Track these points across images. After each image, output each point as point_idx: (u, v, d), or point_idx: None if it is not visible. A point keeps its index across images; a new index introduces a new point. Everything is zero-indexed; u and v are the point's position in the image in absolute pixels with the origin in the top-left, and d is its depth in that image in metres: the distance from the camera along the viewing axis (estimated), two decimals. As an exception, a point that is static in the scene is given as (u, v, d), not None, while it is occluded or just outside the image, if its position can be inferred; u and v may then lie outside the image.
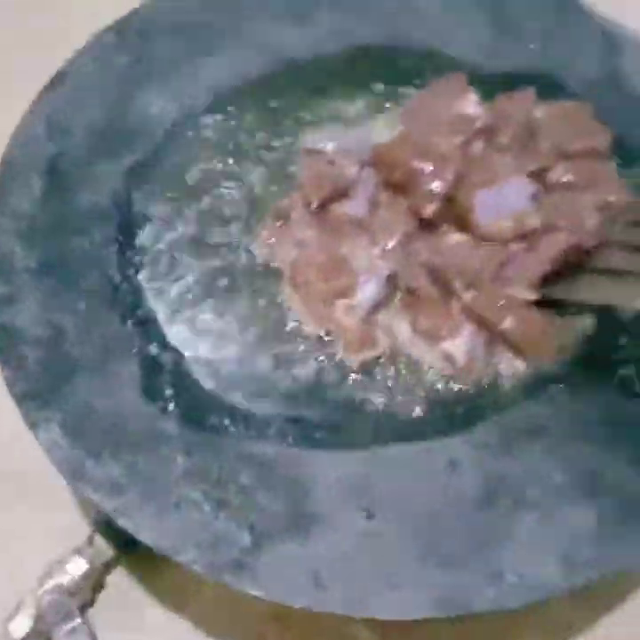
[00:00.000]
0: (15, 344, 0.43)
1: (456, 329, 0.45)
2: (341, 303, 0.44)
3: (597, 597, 0.44)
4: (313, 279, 0.44)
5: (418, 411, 0.43)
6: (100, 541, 0.42)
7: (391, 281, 0.45)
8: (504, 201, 0.45)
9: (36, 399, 0.42)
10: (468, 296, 0.44)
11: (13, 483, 0.46)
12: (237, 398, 0.43)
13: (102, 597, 0.44)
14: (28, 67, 0.53)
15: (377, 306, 0.44)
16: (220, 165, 0.50)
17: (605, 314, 0.45)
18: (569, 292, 0.44)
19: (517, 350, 0.45)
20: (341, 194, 0.47)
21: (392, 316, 0.45)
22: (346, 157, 0.48)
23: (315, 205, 0.46)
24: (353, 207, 0.46)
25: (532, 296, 0.44)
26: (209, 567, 0.38)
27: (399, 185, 0.46)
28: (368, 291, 0.44)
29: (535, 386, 0.44)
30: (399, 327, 0.45)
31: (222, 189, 0.49)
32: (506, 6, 0.55)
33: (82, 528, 0.44)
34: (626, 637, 0.44)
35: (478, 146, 0.49)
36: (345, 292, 0.44)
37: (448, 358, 0.44)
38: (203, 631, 0.43)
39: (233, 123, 0.51)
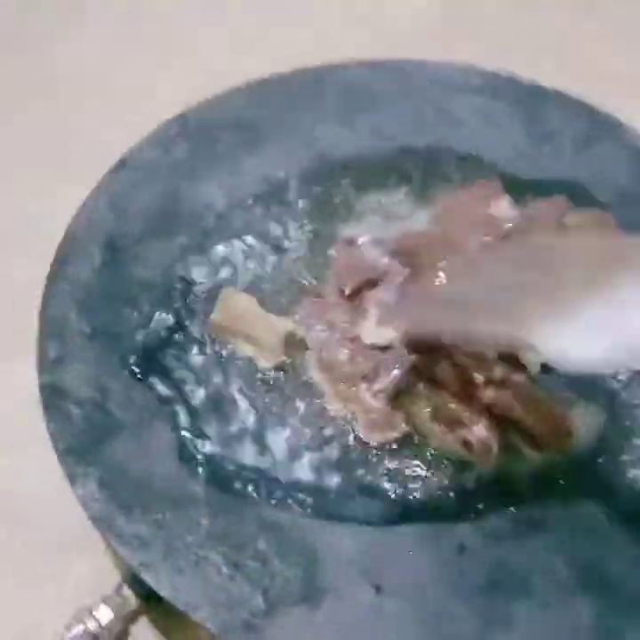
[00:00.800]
0: (62, 402, 0.46)
1: (475, 418, 0.47)
2: (365, 385, 0.47)
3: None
4: (340, 360, 0.47)
5: (432, 495, 0.45)
6: (126, 592, 0.45)
7: (416, 368, 0.48)
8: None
9: (76, 455, 0.45)
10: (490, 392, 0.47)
11: (51, 531, 0.49)
12: (263, 465, 0.46)
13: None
14: (87, 153, 0.60)
15: (400, 389, 0.47)
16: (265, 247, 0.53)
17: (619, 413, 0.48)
18: None
19: (534, 442, 0.47)
20: (372, 282, 0.50)
21: (413, 401, 0.47)
22: (377, 247, 0.51)
23: (347, 292, 0.50)
24: (383, 293, 0.49)
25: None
26: (221, 626, 0.41)
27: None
28: (393, 374, 0.47)
29: (548, 480, 0.46)
30: (420, 412, 0.47)
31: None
32: (540, 117, 0.59)
33: (112, 577, 0.46)
34: None
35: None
36: (369, 375, 0.47)
37: (465, 445, 0.47)
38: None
39: (278, 210, 0.55)
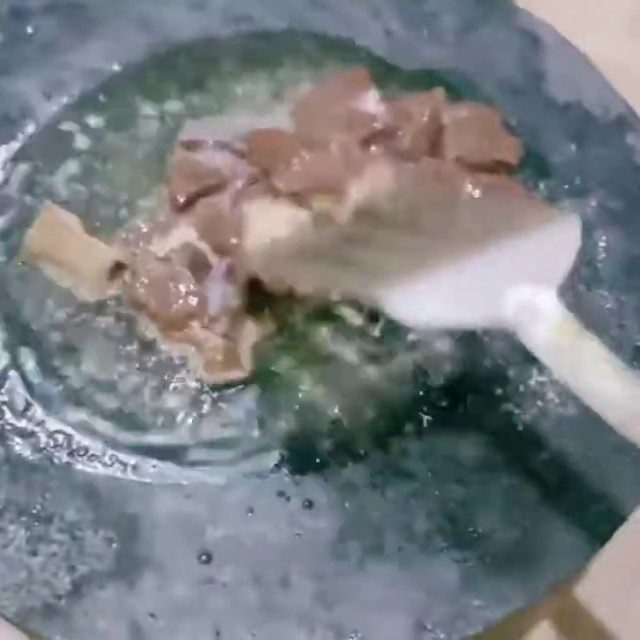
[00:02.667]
0: None
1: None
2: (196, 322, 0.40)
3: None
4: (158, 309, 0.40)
5: (275, 445, 0.39)
6: None
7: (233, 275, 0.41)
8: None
9: None
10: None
11: None
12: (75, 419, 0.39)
13: None
14: None
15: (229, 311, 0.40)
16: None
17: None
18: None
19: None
20: (213, 188, 0.43)
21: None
22: (222, 150, 0.43)
23: (181, 201, 0.42)
24: (217, 203, 0.42)
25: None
26: (18, 611, 0.35)
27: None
28: (220, 303, 0.40)
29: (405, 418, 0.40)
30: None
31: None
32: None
33: None
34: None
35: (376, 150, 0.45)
36: (196, 310, 0.40)
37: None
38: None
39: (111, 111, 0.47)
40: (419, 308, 0.33)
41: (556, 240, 0.35)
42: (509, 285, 0.33)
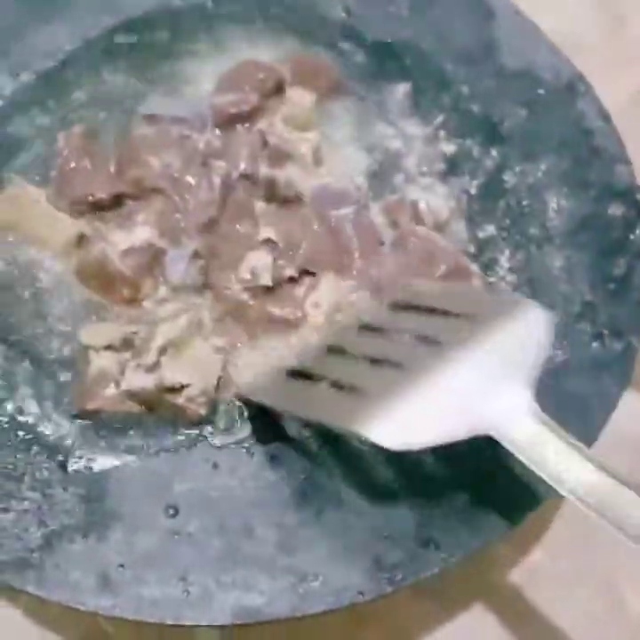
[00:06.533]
0: None
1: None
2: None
3: (444, 591, 0.42)
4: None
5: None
6: None
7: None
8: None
9: None
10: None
11: None
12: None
13: None
14: None
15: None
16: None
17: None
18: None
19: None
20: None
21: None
22: (180, 124, 0.45)
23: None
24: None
25: None
26: (-10, 565, 0.36)
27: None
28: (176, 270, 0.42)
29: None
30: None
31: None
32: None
33: None
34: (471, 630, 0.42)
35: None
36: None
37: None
38: None
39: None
40: (402, 432, 0.34)
41: (527, 333, 0.36)
42: (486, 394, 0.34)
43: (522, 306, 0.38)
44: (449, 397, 0.35)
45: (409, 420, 0.34)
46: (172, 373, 0.39)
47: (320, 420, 0.37)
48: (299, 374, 0.39)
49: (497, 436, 0.34)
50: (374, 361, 0.37)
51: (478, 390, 0.35)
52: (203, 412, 0.39)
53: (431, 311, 0.39)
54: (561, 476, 0.33)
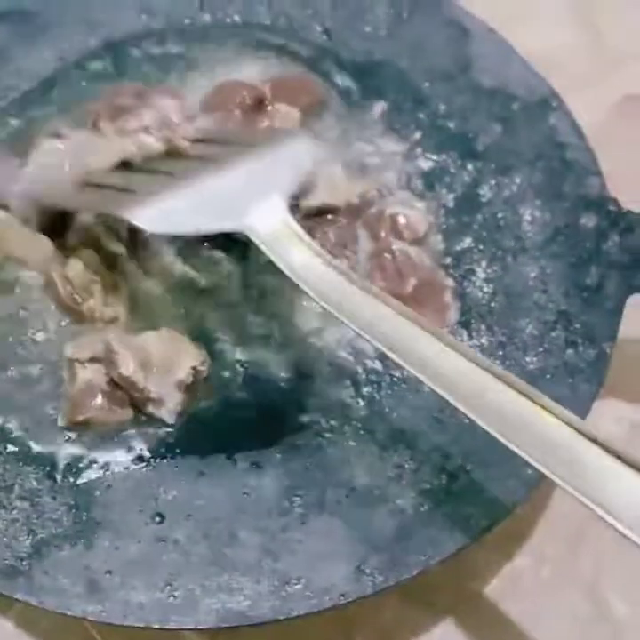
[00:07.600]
0: None
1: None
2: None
3: (430, 598, 0.43)
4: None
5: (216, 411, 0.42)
6: None
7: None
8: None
9: None
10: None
11: None
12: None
13: None
14: None
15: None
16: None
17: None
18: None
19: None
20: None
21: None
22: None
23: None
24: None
25: None
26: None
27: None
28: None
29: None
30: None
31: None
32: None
33: None
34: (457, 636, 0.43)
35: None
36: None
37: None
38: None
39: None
40: (164, 218, 0.40)
41: (291, 156, 0.43)
42: (246, 199, 0.41)
43: (291, 135, 0.45)
44: (212, 197, 0.41)
45: (172, 210, 0.40)
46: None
47: (101, 211, 0.44)
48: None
49: (249, 234, 0.40)
50: (152, 171, 0.44)
51: (239, 195, 0.41)
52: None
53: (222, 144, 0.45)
54: (298, 271, 0.38)
